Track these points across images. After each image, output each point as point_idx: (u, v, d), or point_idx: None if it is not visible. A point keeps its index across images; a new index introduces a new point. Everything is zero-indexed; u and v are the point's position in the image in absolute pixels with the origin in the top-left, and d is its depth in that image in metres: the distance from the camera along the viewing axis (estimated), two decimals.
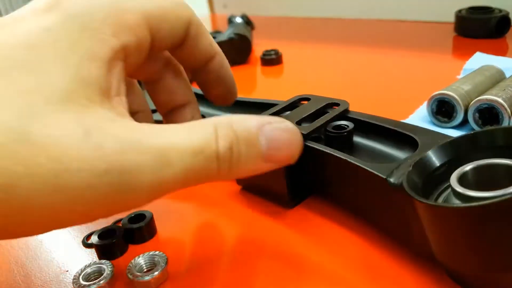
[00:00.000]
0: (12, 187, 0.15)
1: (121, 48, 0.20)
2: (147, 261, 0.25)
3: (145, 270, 0.25)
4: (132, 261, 0.25)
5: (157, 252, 0.25)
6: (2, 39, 0.18)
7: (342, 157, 0.25)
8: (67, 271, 0.27)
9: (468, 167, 0.21)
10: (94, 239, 0.27)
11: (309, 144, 0.28)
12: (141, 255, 0.25)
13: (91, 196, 0.16)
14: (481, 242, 0.18)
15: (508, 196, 0.17)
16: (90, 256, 0.28)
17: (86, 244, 0.29)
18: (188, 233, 0.29)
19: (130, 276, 0.24)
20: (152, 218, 0.29)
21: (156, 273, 0.24)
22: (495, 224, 0.17)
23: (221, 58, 0.27)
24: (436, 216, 0.19)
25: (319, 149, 0.27)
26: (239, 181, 0.32)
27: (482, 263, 0.19)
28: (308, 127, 0.29)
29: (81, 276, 0.24)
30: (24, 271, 0.27)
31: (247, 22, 0.72)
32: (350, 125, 0.30)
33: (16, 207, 0.16)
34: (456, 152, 0.23)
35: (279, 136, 0.21)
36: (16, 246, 0.29)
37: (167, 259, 0.25)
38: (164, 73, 0.27)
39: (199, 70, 0.27)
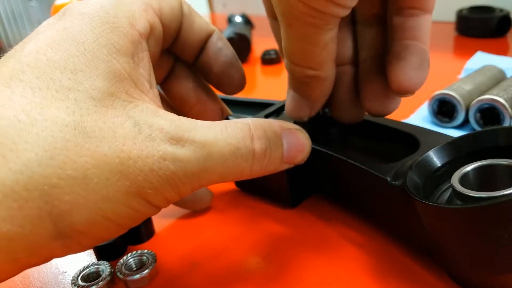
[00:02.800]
0: (84, 179, 0.16)
1: (140, 38, 0.21)
2: (136, 260, 0.25)
3: (134, 268, 0.25)
4: (121, 260, 0.25)
5: (145, 251, 0.26)
6: (30, 47, 0.18)
7: (343, 158, 0.25)
8: (66, 272, 0.26)
9: (469, 167, 0.21)
10: None
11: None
12: (129, 254, 0.26)
13: (154, 180, 0.18)
14: (483, 243, 0.18)
15: (510, 197, 0.16)
16: (89, 257, 0.27)
17: None
18: (186, 234, 0.29)
19: (120, 275, 0.24)
20: (150, 219, 0.29)
21: (146, 271, 0.24)
22: (497, 224, 0.17)
23: (219, 33, 0.28)
24: (437, 216, 0.19)
25: (321, 150, 0.27)
26: (237, 183, 0.32)
27: (483, 264, 0.19)
28: (307, 126, 0.28)
29: (79, 277, 0.24)
30: (23, 272, 0.27)
31: (247, 21, 0.72)
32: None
33: (92, 200, 0.17)
34: (457, 152, 0.23)
35: (296, 140, 0.23)
36: None
37: (156, 257, 0.25)
38: (174, 73, 0.28)
39: (200, 53, 0.27)
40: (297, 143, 0.23)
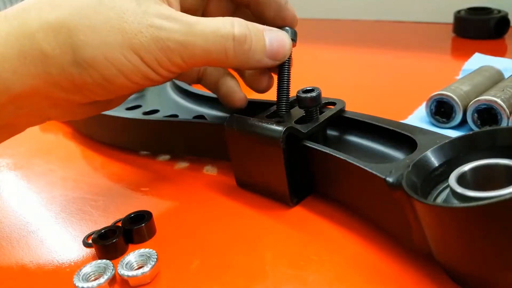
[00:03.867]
0: (94, 28, 0.23)
1: None
2: (137, 259, 0.26)
3: (136, 267, 0.25)
4: (122, 259, 0.25)
5: (147, 250, 0.26)
6: None
7: (341, 157, 0.26)
8: (68, 270, 0.27)
9: (467, 167, 0.21)
10: (94, 239, 0.27)
11: (309, 145, 0.28)
12: (131, 253, 0.26)
13: (142, 39, 0.23)
14: (480, 242, 0.18)
15: (507, 197, 0.17)
16: (91, 255, 0.28)
17: (86, 244, 0.29)
18: (187, 232, 0.29)
19: (121, 274, 0.24)
20: (151, 218, 0.29)
21: (147, 269, 0.24)
22: (494, 224, 0.17)
23: None
24: (435, 216, 0.19)
25: (319, 149, 0.27)
26: (238, 182, 0.32)
27: (481, 263, 0.19)
28: (307, 126, 0.29)
29: (81, 276, 0.25)
30: (25, 271, 0.27)
31: None
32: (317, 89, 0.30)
33: (97, 42, 0.23)
34: (455, 152, 0.23)
35: (277, 37, 0.27)
36: (17, 246, 0.30)
37: (157, 255, 0.25)
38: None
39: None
40: (278, 39, 0.27)
